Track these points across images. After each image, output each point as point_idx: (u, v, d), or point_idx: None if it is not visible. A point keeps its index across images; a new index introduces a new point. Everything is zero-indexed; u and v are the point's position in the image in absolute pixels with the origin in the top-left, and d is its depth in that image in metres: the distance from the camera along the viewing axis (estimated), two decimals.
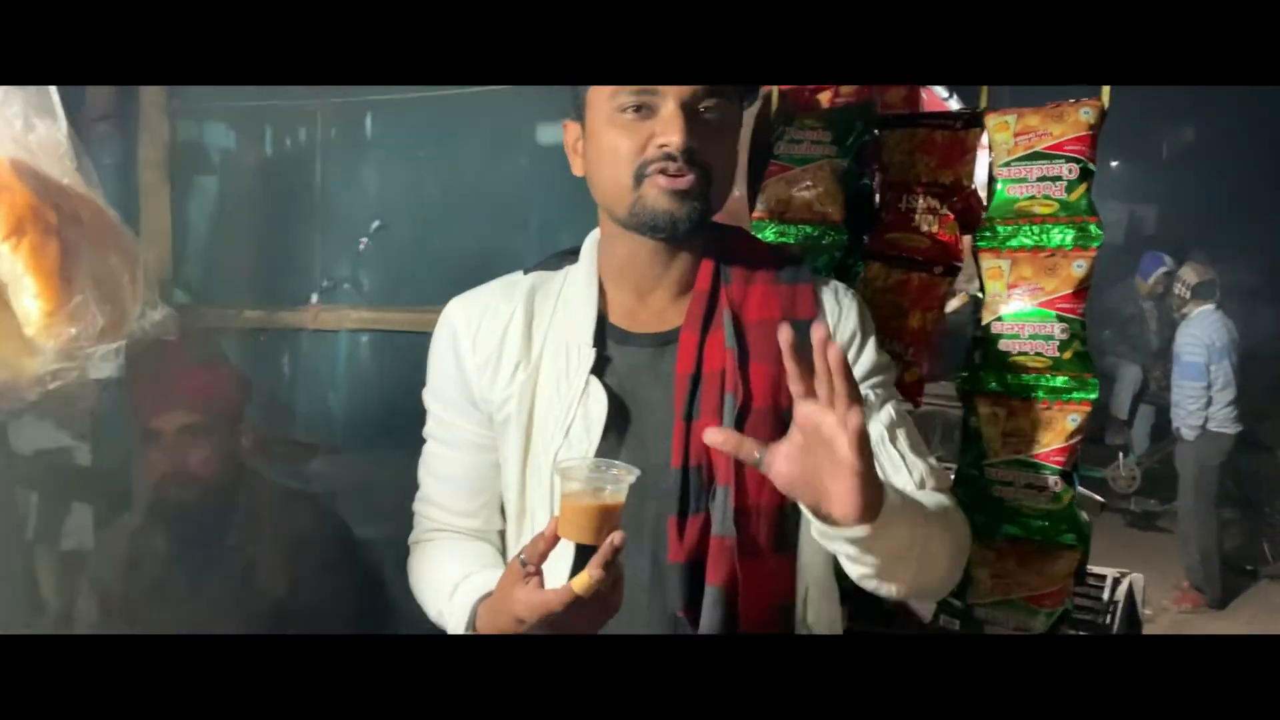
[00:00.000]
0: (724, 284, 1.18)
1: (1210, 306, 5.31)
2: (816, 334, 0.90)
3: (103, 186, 2.42)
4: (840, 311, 1.22)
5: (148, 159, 2.52)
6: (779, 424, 1.09)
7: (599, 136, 1.12)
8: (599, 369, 1.14)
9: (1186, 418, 5.21)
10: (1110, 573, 2.55)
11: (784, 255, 1.27)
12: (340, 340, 2.46)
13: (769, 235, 1.67)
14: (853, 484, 0.90)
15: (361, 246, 2.37)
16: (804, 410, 0.92)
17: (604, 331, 1.17)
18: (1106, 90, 1.45)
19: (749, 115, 1.84)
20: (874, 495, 0.93)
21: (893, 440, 1.16)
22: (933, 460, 1.19)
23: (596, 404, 1.13)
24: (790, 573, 1.14)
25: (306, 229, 2.41)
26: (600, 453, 1.10)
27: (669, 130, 1.07)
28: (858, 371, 1.19)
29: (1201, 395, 5.16)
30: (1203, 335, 5.24)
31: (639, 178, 1.09)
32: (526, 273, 1.24)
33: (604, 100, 1.11)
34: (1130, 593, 2.53)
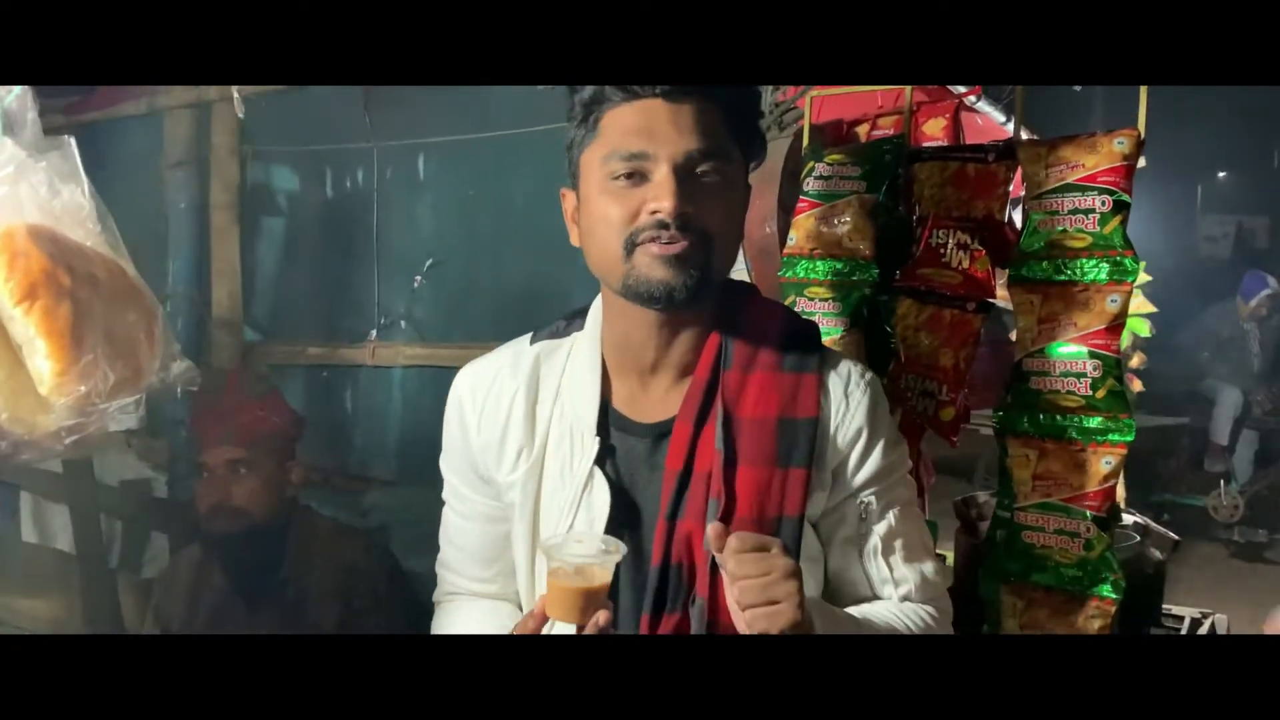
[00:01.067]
0: (724, 370, 1.11)
1: None
2: (712, 530, 0.96)
3: (177, 229, 2.53)
4: (846, 408, 1.13)
5: (218, 202, 2.65)
6: (765, 532, 1.04)
7: (591, 205, 1.07)
8: (601, 459, 1.11)
9: None
10: (1189, 613, 2.41)
11: (794, 331, 1.17)
12: (395, 376, 2.53)
13: (799, 271, 1.65)
14: (753, 619, 0.94)
15: (416, 284, 2.43)
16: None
17: (606, 417, 1.13)
18: (1142, 121, 1.39)
19: (781, 149, 1.84)
20: (788, 619, 0.94)
21: (887, 553, 1.14)
22: (929, 566, 1.17)
23: (599, 498, 1.09)
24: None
25: (365, 267, 2.49)
26: None
27: (661, 196, 1.02)
28: (861, 475, 1.14)
29: None
30: None
31: (630, 247, 1.04)
32: (534, 340, 1.19)
33: (595, 168, 1.06)
34: (1213, 635, 2.39)
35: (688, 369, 1.13)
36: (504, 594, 1.23)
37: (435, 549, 2.29)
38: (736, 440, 1.08)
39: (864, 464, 1.13)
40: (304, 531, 2.07)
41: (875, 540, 1.14)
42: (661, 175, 1.03)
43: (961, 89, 2.10)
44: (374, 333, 2.46)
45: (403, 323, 2.49)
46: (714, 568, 1.03)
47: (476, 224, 2.46)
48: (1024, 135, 1.61)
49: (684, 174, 1.03)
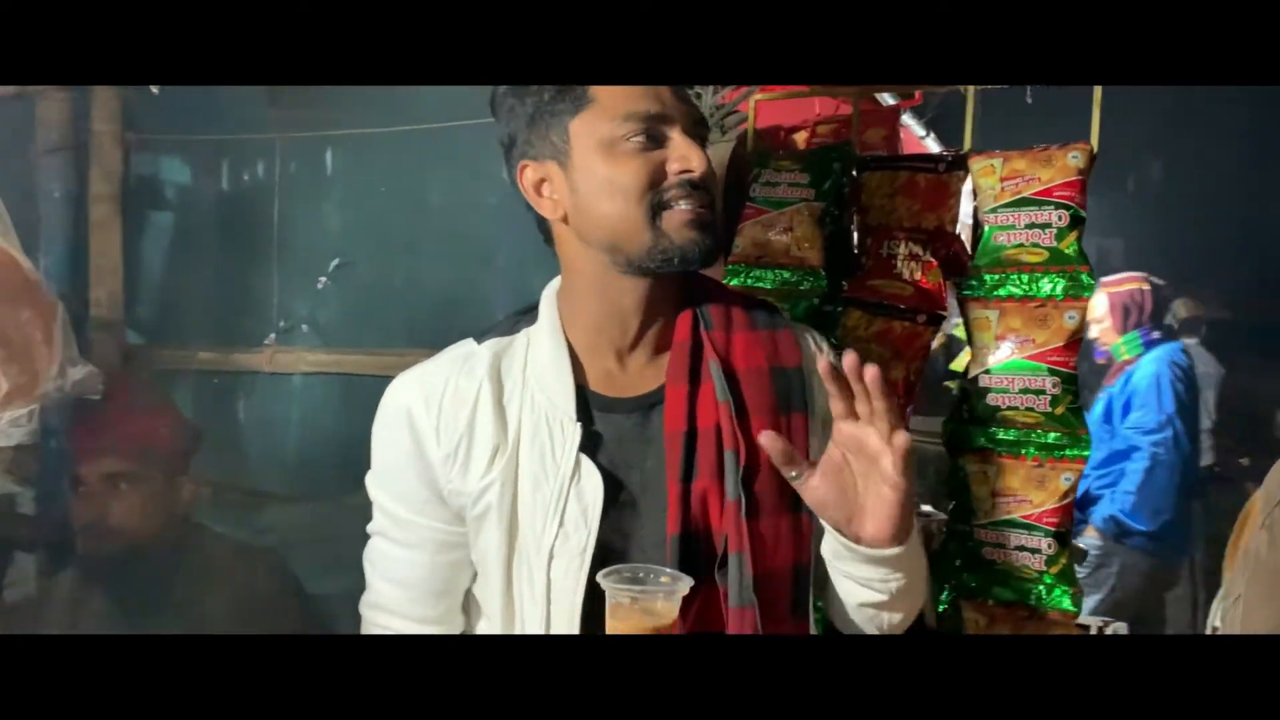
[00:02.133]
0: (705, 332, 1.09)
1: (1193, 341, 5.36)
2: (848, 359, 0.91)
3: (51, 221, 2.32)
4: (823, 355, 1.15)
5: (99, 193, 2.43)
6: (780, 478, 1.04)
7: (595, 171, 1.02)
8: (586, 445, 1.04)
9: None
10: (1094, 622, 2.49)
11: (755, 301, 1.20)
12: (296, 383, 2.37)
13: (745, 281, 1.60)
14: (894, 502, 0.93)
15: (321, 286, 2.28)
16: (845, 429, 0.95)
17: (584, 401, 1.06)
18: (1095, 134, 1.39)
19: (723, 154, 1.79)
20: (909, 517, 0.95)
21: None
22: None
23: (590, 485, 1.02)
24: (797, 630, 1.07)
25: (263, 267, 2.32)
26: (600, 538, 1.01)
27: (690, 155, 1.00)
28: None
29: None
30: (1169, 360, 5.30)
31: (656, 210, 1.01)
32: (480, 341, 1.10)
33: (599, 130, 1.02)
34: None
35: (663, 344, 1.10)
36: (449, 634, 1.13)
37: (342, 568, 2.15)
38: (740, 390, 1.06)
39: None
40: (198, 552, 1.90)
41: None
42: (678, 136, 1.02)
43: (892, 100, 2.09)
44: (273, 337, 2.30)
45: (305, 327, 2.34)
46: (749, 517, 1.01)
47: (388, 223, 2.32)
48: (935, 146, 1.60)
49: (694, 137, 1.03)
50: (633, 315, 1.07)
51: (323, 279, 2.29)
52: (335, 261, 2.29)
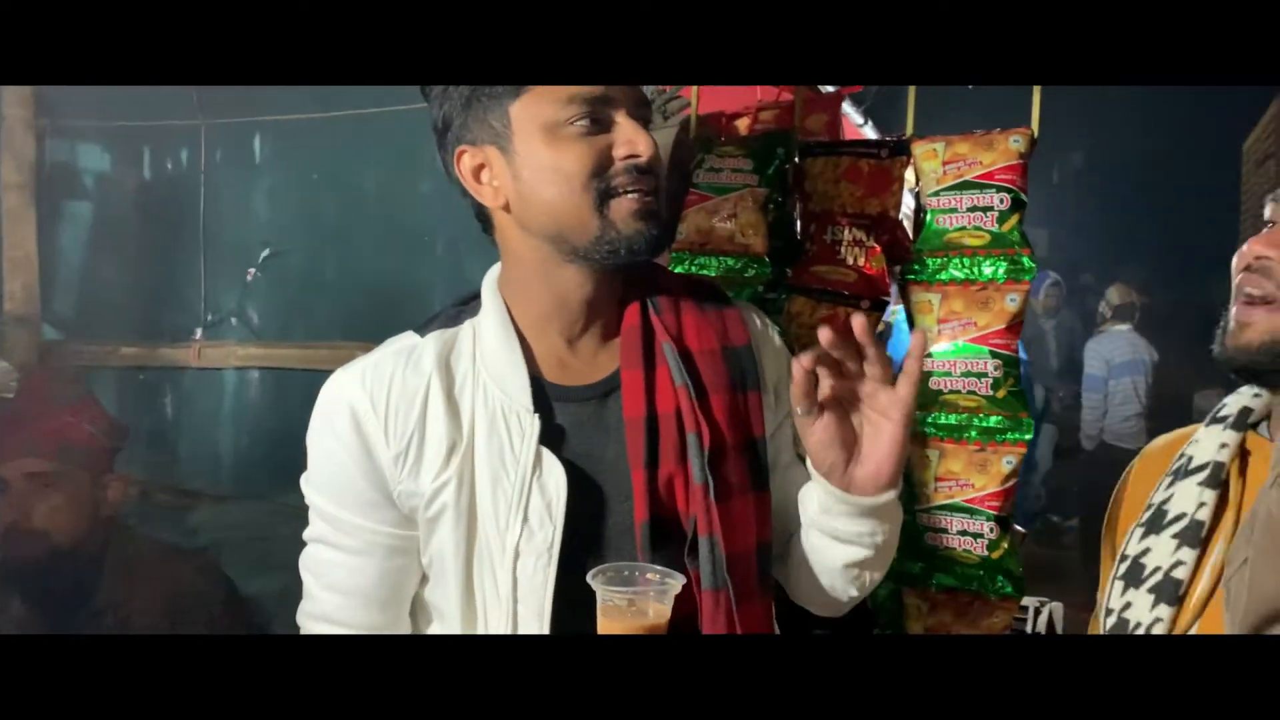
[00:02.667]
0: (655, 315, 1.07)
1: (1126, 327, 5.51)
2: (857, 322, 0.92)
3: None
4: (766, 333, 1.16)
5: (11, 182, 2.33)
6: (749, 459, 1.04)
7: (538, 157, 0.97)
8: (545, 437, 1.00)
9: (1086, 428, 5.46)
10: (1031, 603, 2.53)
11: (699, 282, 1.18)
12: (226, 379, 2.28)
13: (690, 268, 1.58)
14: (893, 449, 0.95)
15: (250, 277, 2.20)
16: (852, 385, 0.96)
17: (540, 391, 1.02)
18: (1036, 119, 1.40)
19: (666, 139, 1.77)
20: (904, 461, 0.97)
21: None
22: None
23: (553, 478, 0.98)
24: (770, 613, 1.08)
25: (189, 259, 2.23)
26: (565, 532, 0.98)
27: (636, 140, 0.97)
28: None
29: (1098, 407, 5.39)
30: (1103, 351, 5.50)
31: (604, 198, 0.97)
32: (422, 333, 1.05)
33: (541, 113, 0.97)
34: (1050, 623, 2.51)
35: (611, 329, 1.07)
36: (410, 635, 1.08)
37: (276, 568, 2.08)
38: (698, 372, 1.05)
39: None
40: (123, 554, 1.82)
41: None
42: (624, 119, 0.99)
43: (833, 86, 2.09)
44: (200, 331, 2.21)
45: (234, 320, 2.25)
46: (717, 499, 1.00)
47: (320, 212, 2.25)
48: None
49: (639, 120, 1.00)
50: (579, 304, 1.04)
51: (252, 270, 2.21)
52: (265, 252, 2.21)
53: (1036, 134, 1.39)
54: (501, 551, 0.97)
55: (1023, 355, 4.12)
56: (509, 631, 0.97)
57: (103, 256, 2.33)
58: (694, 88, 1.69)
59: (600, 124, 0.98)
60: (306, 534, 1.07)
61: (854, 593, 1.09)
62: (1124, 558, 1.00)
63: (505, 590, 0.97)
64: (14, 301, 2.25)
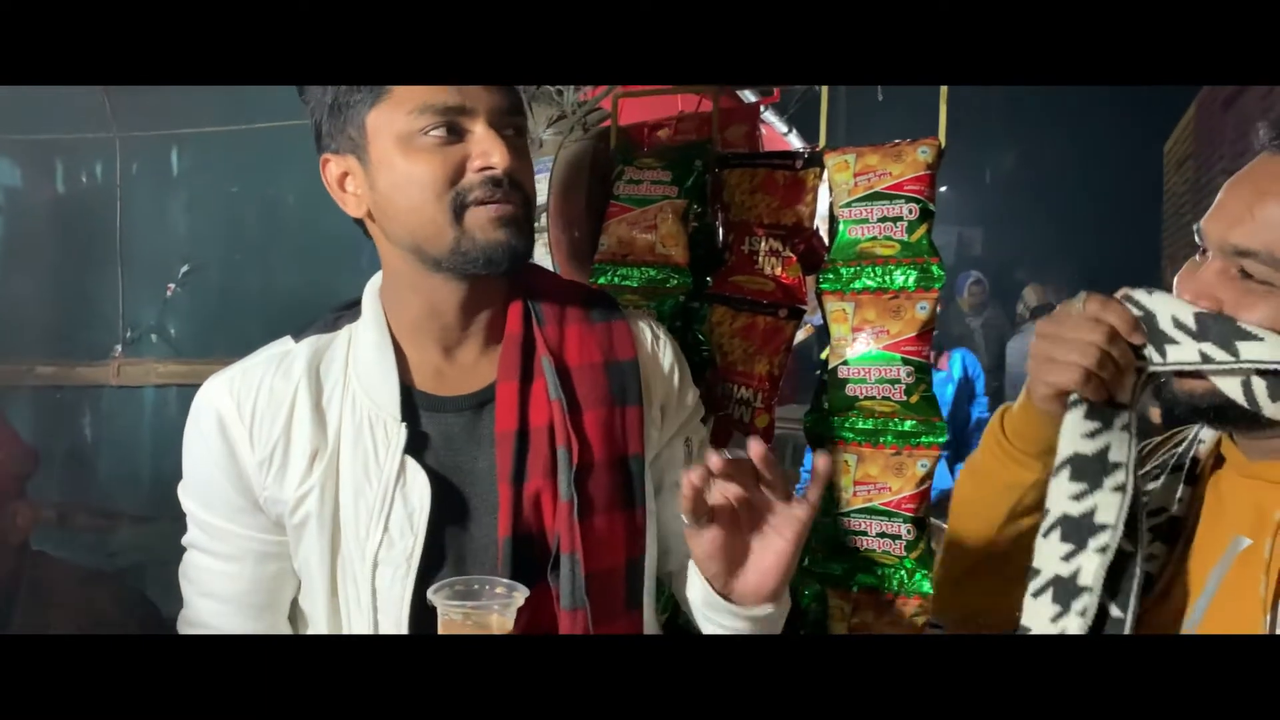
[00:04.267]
0: (538, 326, 1.05)
1: None
2: (755, 449, 0.86)
3: None
4: (658, 347, 1.13)
5: None
6: (621, 476, 1.03)
7: (393, 167, 0.95)
8: (411, 446, 0.99)
9: None
10: None
11: (590, 292, 1.16)
12: (147, 397, 2.23)
13: (612, 279, 1.59)
14: (780, 565, 0.91)
15: (169, 293, 2.16)
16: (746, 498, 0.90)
17: (410, 400, 1.01)
18: (942, 129, 1.44)
19: (586, 151, 1.78)
20: (785, 582, 0.93)
21: None
22: None
23: (416, 488, 0.97)
24: (640, 631, 1.06)
25: (106, 274, 2.18)
26: (426, 543, 0.96)
27: (490, 151, 0.94)
28: (684, 411, 1.13)
29: None
30: (1022, 348, 5.63)
31: (459, 209, 0.95)
32: (298, 339, 1.04)
33: (396, 123, 0.95)
34: None
35: (493, 336, 1.05)
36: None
37: None
38: (573, 387, 1.03)
39: (684, 400, 1.14)
40: (38, 581, 1.77)
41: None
42: (481, 129, 0.95)
43: (754, 97, 2.12)
44: (119, 348, 2.16)
45: (154, 336, 2.20)
46: (581, 516, 0.98)
47: (240, 225, 2.21)
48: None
49: (500, 130, 0.96)
50: (452, 313, 1.02)
51: (171, 286, 2.17)
52: (185, 267, 2.17)
53: (944, 143, 1.43)
54: (361, 560, 0.97)
55: (975, 370, 4.13)
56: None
57: (16, 273, 2.27)
58: (614, 99, 1.71)
59: (456, 133, 0.96)
60: (184, 540, 1.05)
61: None
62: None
63: (366, 599, 0.97)
64: None
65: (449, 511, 0.99)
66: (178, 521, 2.22)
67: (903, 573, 1.39)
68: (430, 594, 0.87)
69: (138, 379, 2.13)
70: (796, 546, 0.90)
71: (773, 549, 0.91)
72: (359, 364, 1.01)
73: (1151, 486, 0.98)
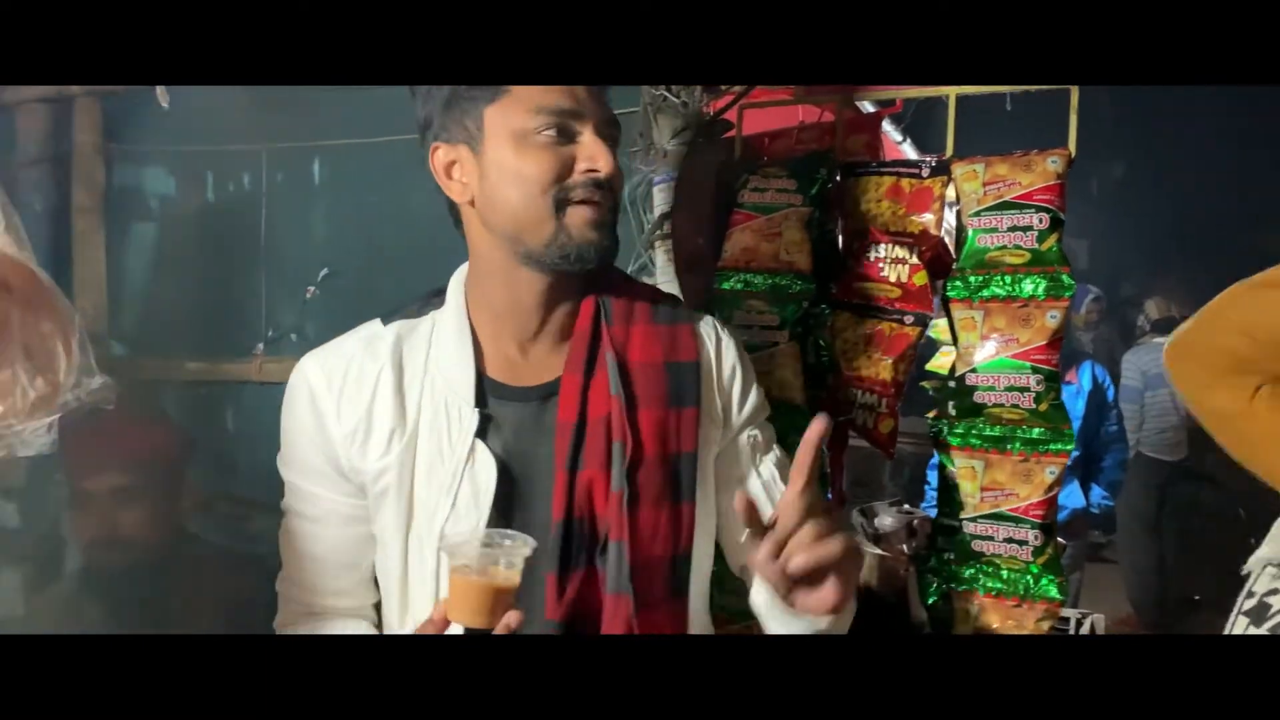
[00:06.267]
0: (605, 324, 1.11)
1: (1164, 339, 5.43)
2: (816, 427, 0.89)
3: (33, 233, 2.32)
4: (720, 350, 1.17)
5: (81, 205, 2.42)
6: (672, 472, 1.07)
7: (504, 160, 1.03)
8: (482, 430, 1.06)
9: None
10: (1073, 614, 2.54)
11: (658, 294, 1.22)
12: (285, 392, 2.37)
13: (736, 285, 1.63)
14: (840, 589, 0.91)
15: (309, 295, 2.28)
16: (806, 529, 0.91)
17: (483, 388, 1.08)
18: (1073, 140, 1.44)
19: (711, 161, 1.83)
20: (847, 595, 0.92)
21: (783, 478, 1.16)
22: None
23: (484, 470, 1.04)
24: (683, 620, 1.11)
25: (251, 277, 2.32)
26: (490, 520, 1.04)
27: (597, 155, 1.02)
28: (746, 410, 1.17)
29: (1135, 418, 5.28)
30: (1139, 362, 5.41)
31: (560, 205, 1.02)
32: (386, 322, 1.12)
33: (512, 120, 1.03)
34: (1094, 633, 2.52)
35: (566, 332, 1.11)
36: (360, 609, 1.15)
37: None
38: (633, 384, 1.08)
39: (745, 400, 1.17)
40: (191, 562, 1.90)
41: (770, 469, 1.17)
42: (589, 135, 1.03)
43: (873, 107, 2.14)
44: (261, 346, 2.29)
45: (293, 335, 2.33)
46: (630, 507, 1.03)
47: (376, 232, 2.33)
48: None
49: (605, 138, 1.04)
50: (533, 307, 1.09)
51: (311, 288, 2.29)
52: (324, 271, 2.29)
53: (1074, 153, 1.44)
54: (429, 533, 1.05)
55: (1105, 381, 4.00)
56: (431, 605, 1.00)
57: (168, 276, 2.43)
58: (739, 111, 1.75)
59: (567, 135, 1.03)
60: (282, 504, 1.16)
61: None
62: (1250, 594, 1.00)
63: (430, 569, 1.05)
64: (84, 319, 2.34)
65: (511, 493, 1.06)
66: None
67: (1029, 578, 1.39)
68: (443, 541, 0.94)
69: (278, 376, 2.26)
70: (845, 567, 0.90)
71: (823, 578, 0.90)
72: (440, 350, 1.09)
73: None
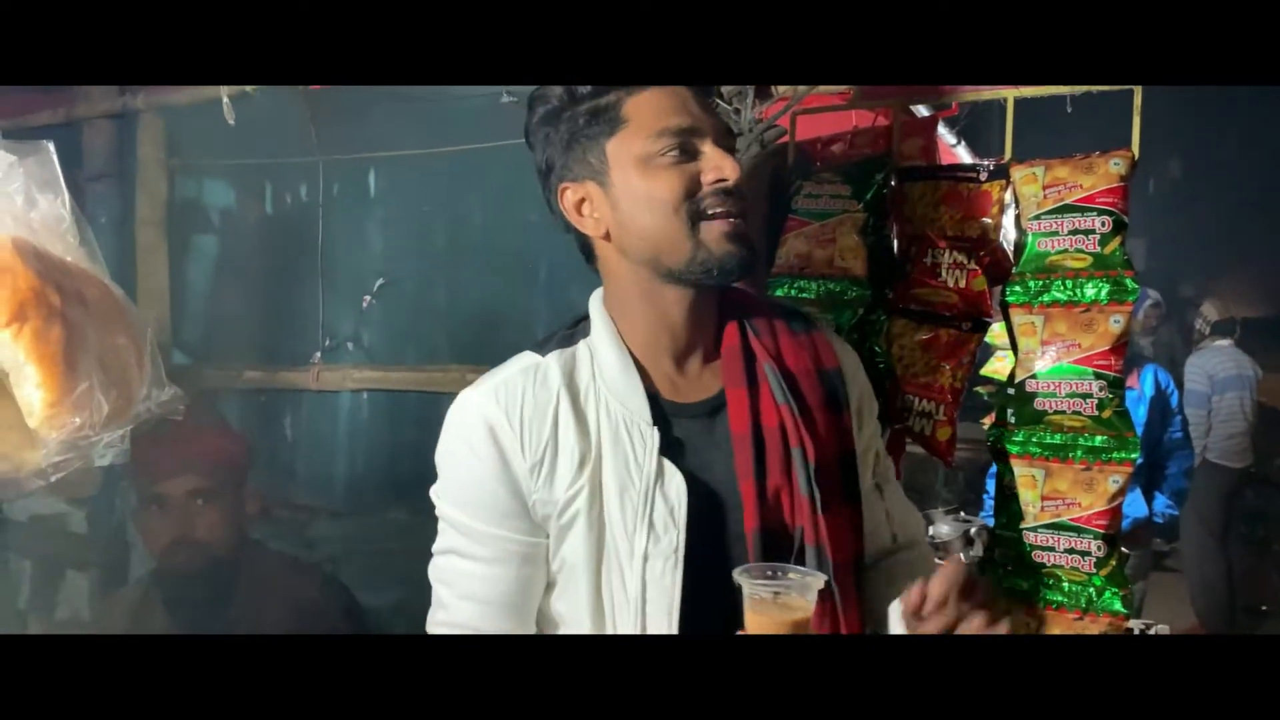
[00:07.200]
0: (753, 336, 1.13)
1: (1228, 342, 5.29)
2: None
3: (99, 247, 2.39)
4: (850, 358, 1.21)
5: (145, 218, 2.48)
6: (844, 473, 1.11)
7: (633, 188, 1.05)
8: (664, 448, 1.06)
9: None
10: (1137, 625, 2.49)
11: (787, 307, 1.24)
12: (343, 400, 2.41)
13: (789, 291, 1.63)
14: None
15: (365, 304, 2.32)
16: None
17: (658, 407, 1.09)
18: (1136, 141, 1.41)
19: (764, 167, 1.82)
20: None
21: (899, 489, 1.27)
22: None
23: (674, 487, 1.05)
24: (861, 618, 1.12)
25: (308, 287, 2.36)
26: (687, 537, 1.04)
27: (723, 165, 1.04)
28: (873, 414, 1.22)
29: (1201, 423, 5.14)
30: (1206, 366, 5.25)
31: (695, 220, 1.04)
32: (542, 352, 1.12)
33: (635, 148, 1.05)
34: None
35: (711, 350, 1.13)
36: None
37: (388, 582, 2.17)
38: (800, 391, 1.11)
39: (872, 405, 1.22)
40: (254, 566, 1.93)
41: (893, 479, 1.26)
42: (710, 147, 1.05)
43: (928, 111, 2.11)
44: (319, 355, 2.33)
45: (350, 344, 2.37)
46: (819, 508, 1.06)
47: (430, 242, 2.37)
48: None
49: (725, 148, 1.06)
50: (681, 324, 1.10)
51: (367, 298, 2.33)
52: (380, 281, 2.33)
53: (1137, 155, 1.41)
54: (630, 556, 1.04)
55: (1169, 385, 3.91)
56: (637, 632, 1.03)
57: (228, 286, 2.48)
58: (791, 116, 1.74)
59: (688, 153, 1.05)
60: (436, 546, 1.13)
61: None
62: None
63: (634, 592, 1.03)
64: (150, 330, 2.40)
65: (701, 507, 1.06)
66: (370, 517, 2.37)
67: (1091, 590, 1.36)
68: (737, 574, 0.94)
69: (335, 384, 2.30)
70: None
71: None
72: (606, 373, 1.09)
73: None
